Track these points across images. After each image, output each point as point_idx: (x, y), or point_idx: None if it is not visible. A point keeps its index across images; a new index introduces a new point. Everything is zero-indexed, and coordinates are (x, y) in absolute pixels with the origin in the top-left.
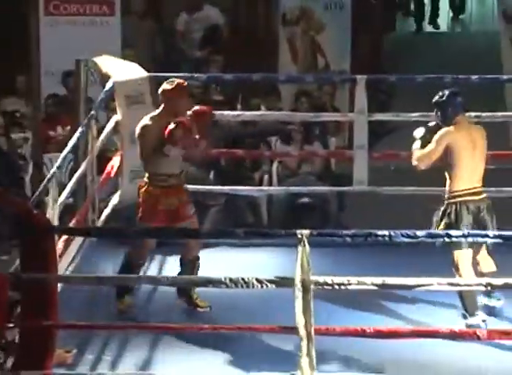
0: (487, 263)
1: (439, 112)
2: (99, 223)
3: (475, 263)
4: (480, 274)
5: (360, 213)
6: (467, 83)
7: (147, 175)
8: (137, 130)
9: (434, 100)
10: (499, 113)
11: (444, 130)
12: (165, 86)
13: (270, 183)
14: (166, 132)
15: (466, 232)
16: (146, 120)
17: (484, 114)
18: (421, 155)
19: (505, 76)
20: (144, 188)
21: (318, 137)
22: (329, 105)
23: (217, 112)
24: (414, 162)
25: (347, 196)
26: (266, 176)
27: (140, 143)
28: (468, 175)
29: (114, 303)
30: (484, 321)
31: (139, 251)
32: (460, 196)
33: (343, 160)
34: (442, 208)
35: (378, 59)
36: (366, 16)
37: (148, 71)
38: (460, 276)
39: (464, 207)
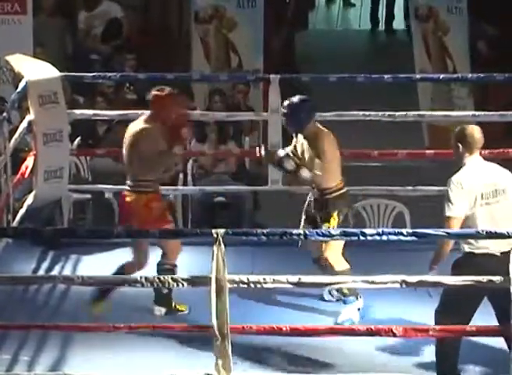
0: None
1: (289, 120)
2: (14, 224)
3: None
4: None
5: (276, 212)
6: (380, 82)
7: (131, 183)
8: (136, 134)
9: (283, 109)
10: (411, 113)
11: (324, 134)
12: (157, 93)
13: (185, 183)
14: (176, 133)
15: (380, 231)
16: (142, 124)
17: (397, 113)
18: (318, 168)
19: (418, 76)
20: (127, 197)
21: (233, 137)
22: (243, 104)
23: (130, 112)
24: (319, 179)
25: (262, 195)
26: (181, 176)
27: (142, 147)
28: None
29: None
30: (359, 309)
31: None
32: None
33: (257, 159)
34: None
35: (291, 58)
36: (279, 14)
37: (60, 70)
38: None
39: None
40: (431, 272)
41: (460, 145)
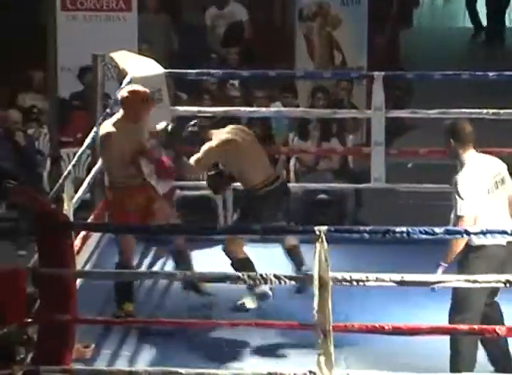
0: None
1: None
2: None
3: None
4: None
5: (378, 210)
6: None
7: (108, 179)
8: (102, 136)
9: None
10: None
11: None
12: (125, 93)
13: (287, 180)
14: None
15: (484, 229)
16: (109, 127)
17: (502, 111)
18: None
19: None
20: (107, 193)
21: (336, 134)
22: (347, 101)
23: (233, 109)
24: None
25: (365, 193)
26: (284, 173)
27: (106, 149)
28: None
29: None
30: (270, 289)
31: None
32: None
33: (360, 157)
34: None
35: (395, 55)
36: (383, 11)
37: (164, 67)
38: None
39: None
40: (439, 269)
41: (452, 141)
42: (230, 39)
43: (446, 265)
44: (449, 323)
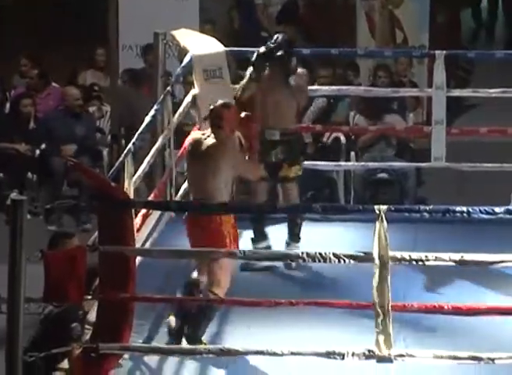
0: None
1: None
2: (177, 198)
3: None
4: None
5: (438, 189)
6: None
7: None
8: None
9: None
10: None
11: None
12: (223, 110)
13: (347, 159)
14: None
15: None
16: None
17: None
18: None
19: None
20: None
21: (397, 112)
22: (407, 80)
23: None
24: None
25: (425, 172)
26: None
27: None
28: None
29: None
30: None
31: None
32: None
33: (421, 136)
34: None
35: (457, 34)
36: None
37: (226, 46)
38: None
39: None
40: None
41: None
42: (284, 17)
43: None
44: None
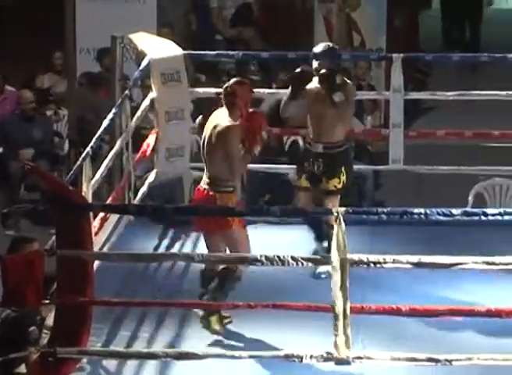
0: None
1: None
2: (135, 202)
3: None
4: None
5: (396, 192)
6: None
7: (213, 181)
8: (228, 131)
9: None
10: None
11: None
12: (236, 87)
13: None
14: (256, 134)
15: (502, 210)
16: (231, 121)
17: None
18: None
19: None
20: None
21: (355, 115)
22: (366, 83)
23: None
24: None
25: (383, 174)
26: None
27: (233, 145)
28: None
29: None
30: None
31: None
32: None
33: (378, 139)
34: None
35: (414, 37)
36: None
37: (184, 49)
38: None
39: None
40: None
41: None
42: (239, 20)
43: None
44: None
